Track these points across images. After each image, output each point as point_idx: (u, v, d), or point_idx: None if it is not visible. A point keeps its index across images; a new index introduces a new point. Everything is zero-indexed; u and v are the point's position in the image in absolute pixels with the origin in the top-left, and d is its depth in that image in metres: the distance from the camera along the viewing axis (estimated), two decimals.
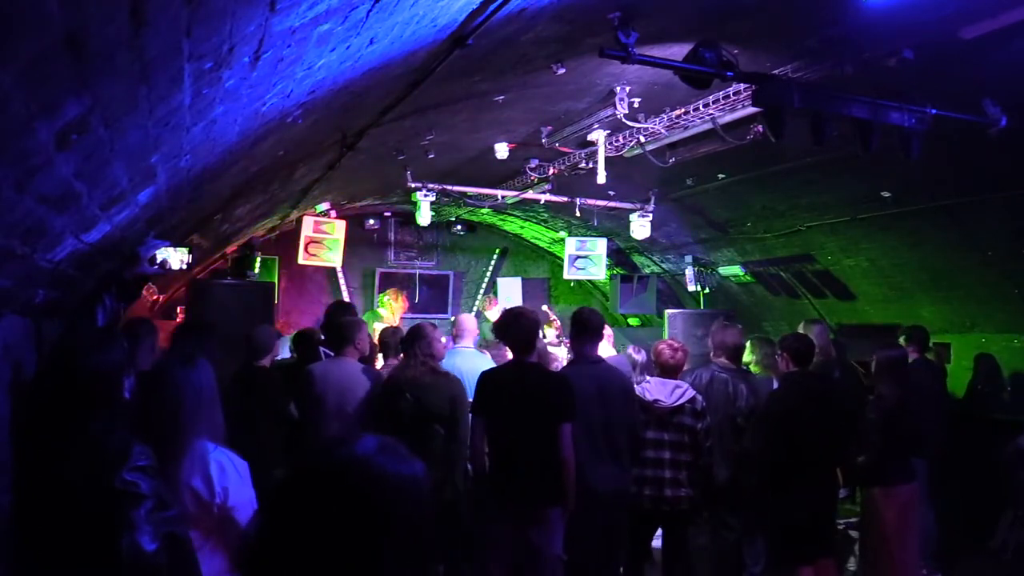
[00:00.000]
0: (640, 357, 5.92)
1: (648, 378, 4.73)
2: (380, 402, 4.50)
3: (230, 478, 2.45)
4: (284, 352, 6.59)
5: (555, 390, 4.01)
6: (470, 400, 4.28)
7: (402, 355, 4.72)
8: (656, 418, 4.46)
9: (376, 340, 5.66)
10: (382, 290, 10.28)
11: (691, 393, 4.53)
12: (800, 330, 5.52)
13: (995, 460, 5.00)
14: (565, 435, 3.91)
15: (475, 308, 11.43)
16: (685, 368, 4.82)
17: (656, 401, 4.45)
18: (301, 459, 1.15)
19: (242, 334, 5.13)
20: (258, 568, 1.06)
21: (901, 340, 5.79)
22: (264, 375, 5.01)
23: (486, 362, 5.37)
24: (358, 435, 1.11)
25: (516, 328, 4.18)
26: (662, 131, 5.27)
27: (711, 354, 5.19)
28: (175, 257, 3.26)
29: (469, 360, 5.07)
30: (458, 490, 4.48)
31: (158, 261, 3.17)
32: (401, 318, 8.17)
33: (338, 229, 8.66)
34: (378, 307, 8.59)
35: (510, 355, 4.32)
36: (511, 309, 4.55)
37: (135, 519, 2.05)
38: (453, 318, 10.51)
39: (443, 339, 4.91)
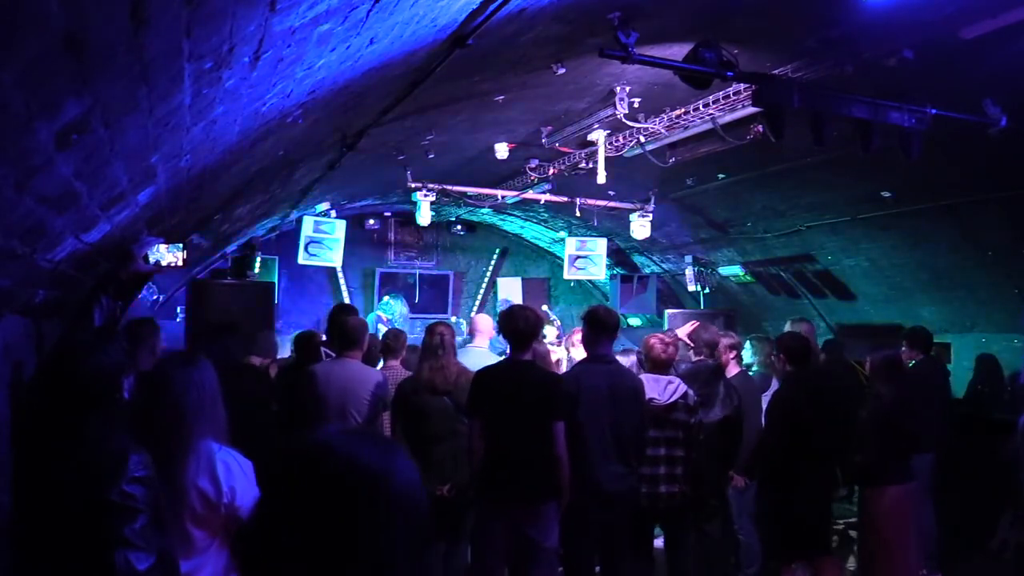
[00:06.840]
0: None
1: (642, 375, 4.71)
2: (402, 402, 4.48)
3: (236, 478, 2.45)
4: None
5: (550, 389, 3.99)
6: None
7: (417, 356, 4.71)
8: (652, 415, 4.44)
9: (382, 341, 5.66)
10: (382, 290, 10.30)
11: (684, 388, 4.49)
12: (787, 328, 5.55)
13: (997, 460, 4.99)
14: (558, 433, 3.89)
15: (473, 309, 11.44)
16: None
17: (651, 399, 4.42)
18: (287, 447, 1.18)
19: (242, 334, 5.13)
20: (256, 554, 1.07)
21: (904, 345, 5.75)
22: (251, 371, 5.01)
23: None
24: (338, 425, 1.13)
25: (516, 323, 4.10)
26: (662, 131, 5.27)
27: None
28: (168, 256, 3.21)
29: (480, 359, 5.03)
30: None
31: (151, 260, 3.14)
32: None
33: (338, 229, 8.66)
34: (378, 310, 8.59)
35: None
36: (513, 305, 4.53)
37: (130, 535, 2.03)
38: (454, 318, 10.54)
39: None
